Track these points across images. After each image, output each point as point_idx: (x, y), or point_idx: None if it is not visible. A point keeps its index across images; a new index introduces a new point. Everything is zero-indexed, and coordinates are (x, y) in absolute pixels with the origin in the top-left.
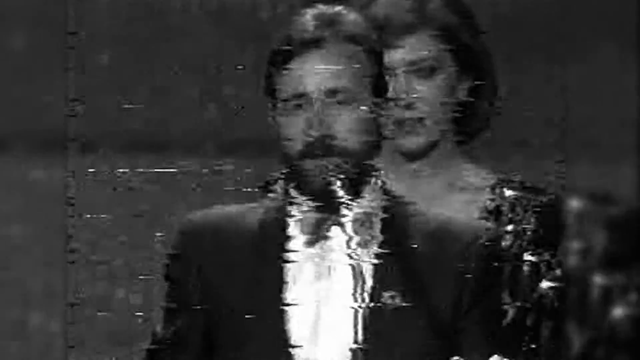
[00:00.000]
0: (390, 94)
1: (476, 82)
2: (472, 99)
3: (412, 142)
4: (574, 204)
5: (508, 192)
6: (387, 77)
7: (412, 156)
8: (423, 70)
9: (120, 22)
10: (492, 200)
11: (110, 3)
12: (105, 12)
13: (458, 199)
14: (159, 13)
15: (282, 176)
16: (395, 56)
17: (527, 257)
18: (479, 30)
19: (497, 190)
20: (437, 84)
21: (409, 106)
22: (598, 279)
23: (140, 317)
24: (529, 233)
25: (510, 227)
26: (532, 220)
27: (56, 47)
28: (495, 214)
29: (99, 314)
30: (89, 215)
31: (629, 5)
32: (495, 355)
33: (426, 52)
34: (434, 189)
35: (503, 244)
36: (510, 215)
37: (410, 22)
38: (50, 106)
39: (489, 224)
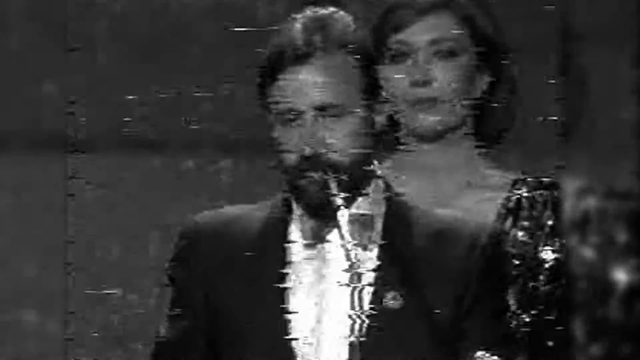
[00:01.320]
0: (407, 74)
1: (494, 79)
2: (490, 95)
3: (427, 121)
4: (593, 200)
5: (526, 190)
6: (405, 56)
7: (426, 138)
8: (443, 51)
9: (119, 21)
10: (510, 198)
11: (109, 3)
12: (104, 11)
13: (475, 197)
14: (158, 13)
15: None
16: (416, 34)
17: (547, 252)
18: (500, 29)
19: (516, 188)
20: (456, 67)
21: (425, 84)
22: (621, 275)
23: (138, 317)
24: (547, 229)
25: (529, 224)
26: (551, 215)
27: (55, 47)
28: (514, 212)
29: (97, 313)
30: (87, 215)
31: (629, 5)
32: (480, 352)
33: (448, 33)
34: (451, 187)
35: (521, 239)
36: (529, 213)
37: (432, 2)
38: (50, 106)
39: (494, 223)
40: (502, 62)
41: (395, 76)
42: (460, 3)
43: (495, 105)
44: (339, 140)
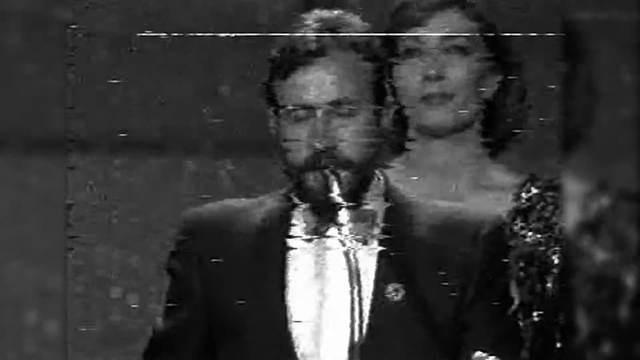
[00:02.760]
0: (419, 69)
1: (506, 77)
2: (500, 96)
3: (439, 116)
4: (605, 200)
5: (536, 190)
6: (418, 52)
7: (437, 132)
8: (455, 48)
9: (119, 22)
10: (520, 199)
11: (109, 3)
12: (104, 12)
13: (484, 198)
14: (158, 13)
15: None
16: (429, 30)
17: (556, 253)
18: (511, 28)
19: (525, 189)
20: (468, 65)
21: (438, 79)
22: (631, 277)
23: (137, 317)
24: (557, 230)
25: (538, 225)
26: (561, 217)
27: (54, 47)
28: (524, 212)
29: (96, 313)
30: (87, 215)
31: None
32: (479, 352)
33: (460, 31)
34: (460, 186)
35: (530, 240)
36: (538, 214)
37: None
38: (49, 106)
39: (497, 213)
40: (513, 63)
41: (407, 71)
42: (473, 2)
43: (505, 106)
44: (350, 136)
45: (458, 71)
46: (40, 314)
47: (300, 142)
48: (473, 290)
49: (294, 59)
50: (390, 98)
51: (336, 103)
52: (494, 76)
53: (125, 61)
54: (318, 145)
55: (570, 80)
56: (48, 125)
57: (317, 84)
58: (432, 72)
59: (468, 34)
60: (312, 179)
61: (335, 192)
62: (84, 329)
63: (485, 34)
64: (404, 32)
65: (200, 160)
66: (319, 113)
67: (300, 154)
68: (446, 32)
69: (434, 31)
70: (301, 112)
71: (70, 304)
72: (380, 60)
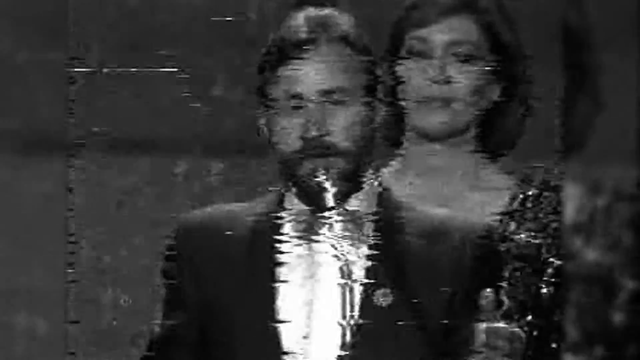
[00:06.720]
0: (423, 71)
1: (508, 88)
2: (500, 106)
3: (435, 120)
4: (599, 201)
5: (531, 192)
6: (423, 54)
7: (432, 136)
8: (461, 54)
9: (112, 23)
10: (514, 200)
11: (101, 4)
12: (96, 13)
13: (477, 199)
14: (149, 14)
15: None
16: (436, 33)
17: (551, 254)
18: (519, 38)
19: (520, 191)
20: (472, 71)
21: (439, 83)
22: (627, 279)
23: (132, 318)
24: (551, 231)
25: (532, 226)
26: (555, 218)
27: (55, 46)
28: (518, 213)
29: (91, 315)
30: (84, 216)
31: (630, 5)
32: (488, 289)
33: (468, 36)
34: (453, 188)
35: (525, 241)
36: (533, 215)
37: (456, 3)
38: (45, 107)
39: (487, 221)
40: (518, 74)
41: (410, 72)
42: (483, 8)
43: (504, 116)
44: (341, 127)
45: (460, 78)
46: (36, 314)
47: (293, 132)
48: (463, 295)
49: (284, 51)
50: (381, 92)
51: (326, 93)
52: (495, 85)
53: (118, 60)
54: (311, 135)
55: (571, 85)
56: (47, 127)
57: (308, 74)
58: (434, 75)
59: (475, 42)
60: (305, 167)
61: (327, 183)
62: (78, 330)
63: (492, 44)
64: (412, 32)
65: (191, 160)
66: (310, 103)
67: (292, 144)
68: (453, 37)
69: (442, 34)
70: (293, 103)
71: (66, 305)
72: (372, 54)
